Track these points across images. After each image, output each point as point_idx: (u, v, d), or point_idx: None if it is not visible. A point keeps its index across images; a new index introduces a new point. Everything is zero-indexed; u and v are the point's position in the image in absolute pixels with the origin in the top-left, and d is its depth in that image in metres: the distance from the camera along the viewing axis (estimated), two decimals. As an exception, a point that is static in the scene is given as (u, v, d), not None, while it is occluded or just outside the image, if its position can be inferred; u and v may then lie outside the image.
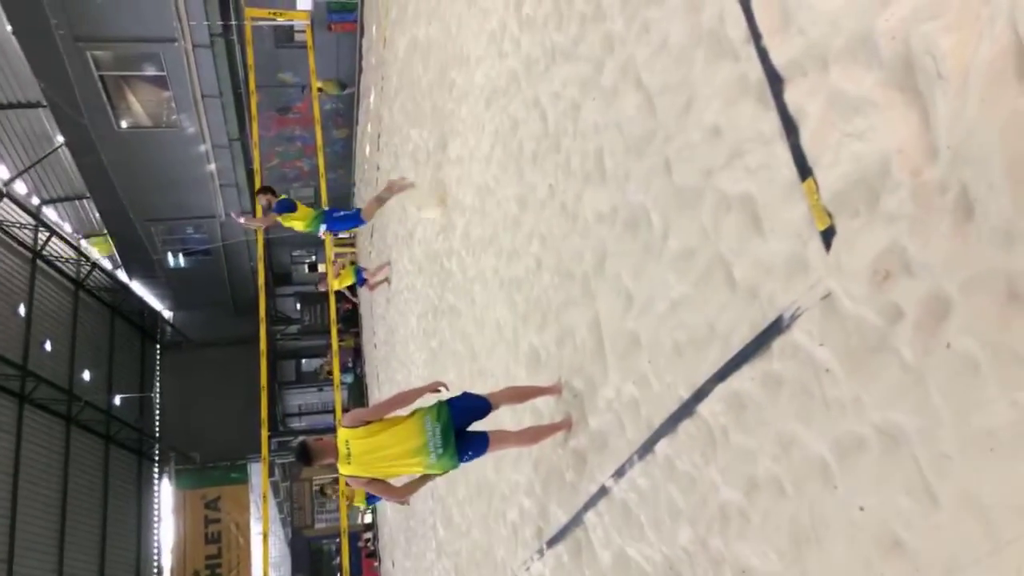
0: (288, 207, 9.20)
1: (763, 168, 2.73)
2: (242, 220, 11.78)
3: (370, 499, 15.08)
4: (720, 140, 3.00)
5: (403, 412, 4.66)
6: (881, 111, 2.15)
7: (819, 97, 2.40)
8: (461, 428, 4.59)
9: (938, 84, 1.95)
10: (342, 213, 9.54)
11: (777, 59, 2.60)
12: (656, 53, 3.48)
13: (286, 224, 9.26)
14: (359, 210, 9.25)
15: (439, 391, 4.81)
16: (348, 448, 4.49)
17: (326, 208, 9.64)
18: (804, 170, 2.49)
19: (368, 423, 4.51)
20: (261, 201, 9.46)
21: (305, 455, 4.61)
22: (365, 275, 15.97)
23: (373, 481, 4.62)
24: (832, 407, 2.39)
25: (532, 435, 4.94)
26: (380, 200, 8.92)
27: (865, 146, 2.21)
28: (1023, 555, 1.72)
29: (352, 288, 27.67)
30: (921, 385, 2.01)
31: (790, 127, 2.56)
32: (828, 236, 2.39)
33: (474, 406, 4.71)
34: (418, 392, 4.78)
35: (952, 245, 1.90)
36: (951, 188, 1.90)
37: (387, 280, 15.22)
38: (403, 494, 4.87)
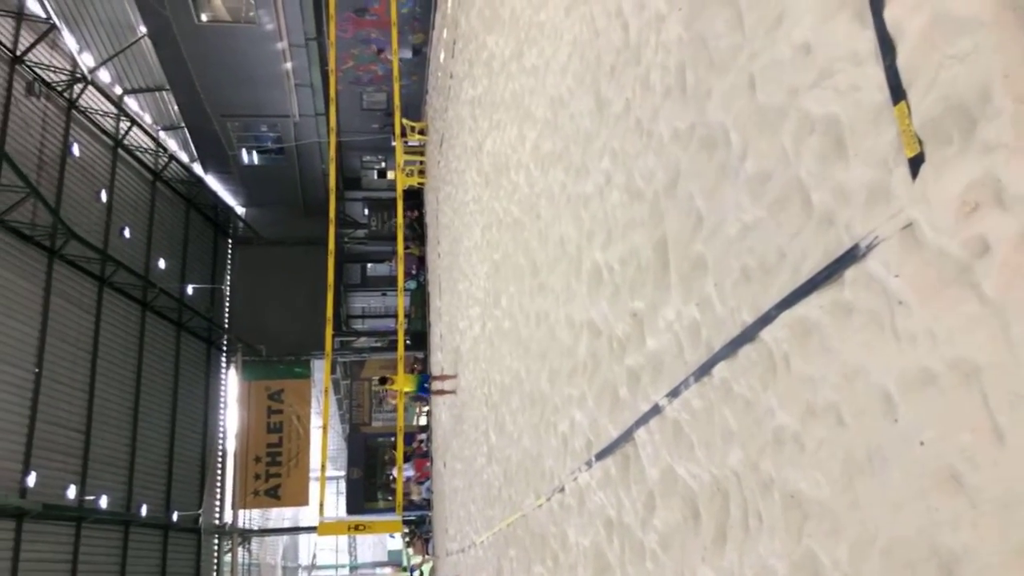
0: None
1: (853, 89, 2.61)
2: None
3: (422, 390, 15.90)
4: (810, 58, 2.87)
5: None
6: (988, 31, 2.02)
7: (922, 15, 2.26)
8: None
9: (1056, 4, 1.82)
10: None
11: (880, -28, 2.45)
12: (750, -37, 3.32)
13: None
14: None
15: None
16: None
17: None
18: (897, 93, 2.37)
19: None
20: None
21: None
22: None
23: None
24: (902, 339, 2.33)
25: None
26: None
27: (967, 69, 2.09)
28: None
29: (417, 202, 27.99)
30: (999, 321, 1.94)
31: (887, 47, 2.42)
32: (916, 164, 2.29)
33: None
34: None
35: (1051, 177, 1.80)
36: (1057, 117, 1.79)
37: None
38: None
